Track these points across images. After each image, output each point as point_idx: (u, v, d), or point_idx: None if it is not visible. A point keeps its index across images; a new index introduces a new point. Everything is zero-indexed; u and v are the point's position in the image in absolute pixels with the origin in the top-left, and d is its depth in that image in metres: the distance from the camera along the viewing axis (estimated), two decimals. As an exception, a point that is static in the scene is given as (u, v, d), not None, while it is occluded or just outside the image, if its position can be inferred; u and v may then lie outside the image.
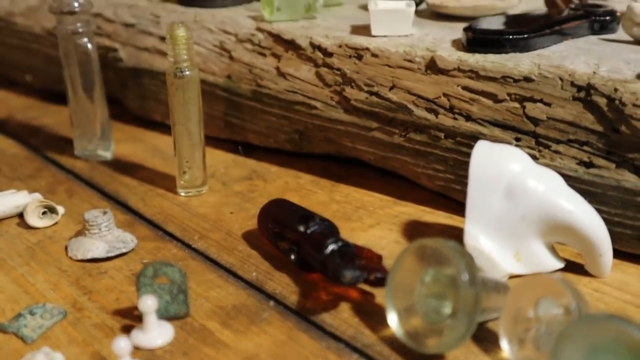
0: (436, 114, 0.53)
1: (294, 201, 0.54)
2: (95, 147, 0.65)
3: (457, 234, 0.50)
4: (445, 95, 0.52)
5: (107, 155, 0.65)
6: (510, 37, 0.52)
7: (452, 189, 0.54)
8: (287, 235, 0.47)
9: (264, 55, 0.62)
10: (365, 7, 0.68)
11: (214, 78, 0.65)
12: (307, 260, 0.45)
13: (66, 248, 0.50)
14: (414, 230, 0.53)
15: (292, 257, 0.46)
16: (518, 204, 0.44)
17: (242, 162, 0.65)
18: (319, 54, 0.58)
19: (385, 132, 0.56)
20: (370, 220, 0.54)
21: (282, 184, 0.60)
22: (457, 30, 0.58)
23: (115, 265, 0.48)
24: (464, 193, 0.51)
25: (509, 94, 0.49)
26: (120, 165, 0.64)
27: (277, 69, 0.61)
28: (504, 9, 0.62)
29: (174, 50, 0.54)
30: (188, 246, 0.51)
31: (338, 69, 0.57)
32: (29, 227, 0.53)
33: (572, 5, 0.58)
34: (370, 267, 0.43)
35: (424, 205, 0.56)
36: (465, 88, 0.51)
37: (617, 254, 0.46)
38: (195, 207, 0.56)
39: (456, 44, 0.55)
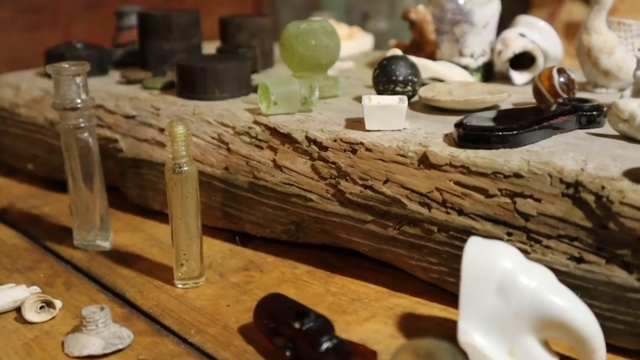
0: (429, 208, 0.54)
1: (290, 293, 0.54)
2: (94, 238, 0.66)
3: (452, 327, 0.51)
4: (437, 189, 0.53)
5: (106, 245, 0.66)
6: (500, 133, 0.53)
7: (446, 281, 0.55)
8: (283, 331, 0.47)
9: (260, 148, 0.63)
10: (359, 99, 0.70)
11: (212, 169, 0.66)
12: (302, 357, 0.45)
13: (63, 344, 0.50)
14: (409, 323, 0.53)
15: (288, 353, 0.46)
16: (510, 301, 0.45)
17: (239, 252, 0.65)
18: (315, 148, 0.60)
19: (380, 225, 0.57)
20: (366, 313, 0.54)
21: (278, 275, 0.61)
22: (448, 124, 0.59)
23: (111, 363, 0.48)
24: (457, 285, 0.52)
25: (500, 190, 0.51)
26: (119, 256, 0.65)
27: (274, 161, 0.62)
28: (494, 102, 0.64)
29: (173, 147, 0.55)
30: (184, 341, 0.51)
31: (333, 163, 0.59)
32: (27, 322, 0.53)
33: (560, 100, 0.60)
34: (365, 365, 0.43)
35: (419, 296, 0.57)
36: (457, 183, 0.53)
37: (610, 348, 0.46)
38: (192, 300, 0.57)
39: (448, 138, 0.56)
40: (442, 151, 0.54)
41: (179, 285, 0.59)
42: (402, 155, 0.55)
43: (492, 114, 0.59)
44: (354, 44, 0.97)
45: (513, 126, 0.54)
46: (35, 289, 0.56)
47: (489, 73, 0.79)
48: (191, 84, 0.72)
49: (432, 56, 0.82)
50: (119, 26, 0.95)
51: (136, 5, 1.01)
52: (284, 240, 0.65)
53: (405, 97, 0.61)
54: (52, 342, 0.51)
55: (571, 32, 1.35)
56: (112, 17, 1.02)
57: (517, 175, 0.50)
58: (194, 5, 1.68)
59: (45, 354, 0.49)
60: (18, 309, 0.54)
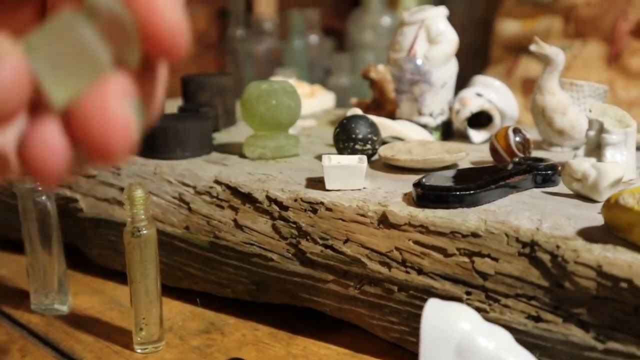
0: (389, 267, 0.54)
1: (251, 356, 0.54)
2: (52, 302, 0.65)
3: (413, 389, 0.50)
4: (397, 249, 0.54)
5: (64, 309, 0.65)
6: (458, 193, 0.54)
7: (407, 340, 0.55)
8: (243, 396, 0.46)
9: (222, 207, 0.63)
10: (320, 158, 0.71)
11: (173, 229, 0.66)
12: (262, 423, 0.45)
13: (17, 414, 0.49)
14: (371, 384, 0.53)
15: (248, 420, 0.46)
16: (470, 362, 0.45)
17: (200, 313, 0.65)
18: (275, 207, 0.60)
19: (341, 284, 0.57)
20: (328, 375, 0.54)
21: (239, 337, 0.60)
22: (408, 183, 0.60)
23: None
24: (418, 345, 0.52)
25: (458, 249, 0.51)
26: (77, 320, 0.64)
27: (235, 221, 0.62)
28: (452, 161, 0.65)
29: (132, 210, 0.55)
30: (143, 408, 0.50)
31: (294, 222, 0.59)
32: (-20, 391, 0.52)
33: (516, 159, 0.61)
34: None
35: (380, 357, 0.56)
36: (416, 242, 0.53)
37: (571, 408, 0.47)
38: (151, 365, 0.56)
39: (407, 198, 0.57)
40: (401, 211, 0.54)
41: (138, 350, 0.58)
42: (362, 215, 0.56)
43: (450, 173, 0.60)
44: (316, 101, 0.99)
45: (470, 186, 0.55)
46: (-10, 355, 0.55)
47: (447, 131, 0.81)
48: (152, 143, 0.72)
49: (392, 114, 0.84)
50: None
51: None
52: (246, 300, 0.64)
53: (364, 157, 0.62)
54: (6, 412, 0.49)
55: (528, 87, 1.38)
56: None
57: (475, 235, 0.51)
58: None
59: None
60: (-29, 377, 0.53)
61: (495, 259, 0.50)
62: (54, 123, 0.26)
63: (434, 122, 0.79)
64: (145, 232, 0.55)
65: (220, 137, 0.83)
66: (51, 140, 0.26)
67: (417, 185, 0.56)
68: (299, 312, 0.63)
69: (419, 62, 0.77)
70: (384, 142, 0.72)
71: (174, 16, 0.27)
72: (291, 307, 0.63)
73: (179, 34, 0.27)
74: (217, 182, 0.65)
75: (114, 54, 0.26)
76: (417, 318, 0.53)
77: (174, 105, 0.92)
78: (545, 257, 0.48)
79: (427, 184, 0.55)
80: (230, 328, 0.62)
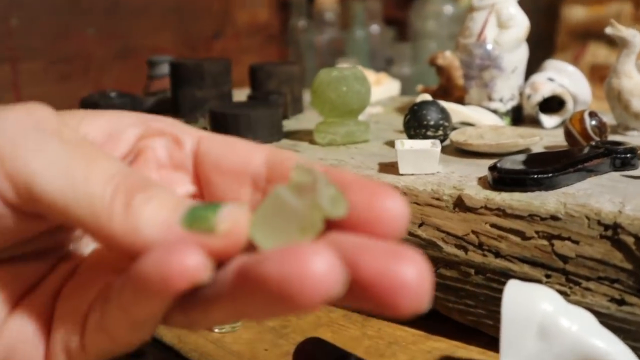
0: (465, 250, 0.54)
1: (327, 337, 0.54)
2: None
3: (491, 371, 0.50)
4: (473, 232, 0.54)
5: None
6: (536, 176, 0.53)
7: (484, 323, 0.55)
8: (323, 375, 0.47)
9: (295, 192, 0.64)
10: (390, 144, 0.71)
11: (247, 214, 0.67)
12: (343, 401, 0.45)
13: (104, 389, 0.50)
14: (447, 367, 0.53)
15: (329, 397, 0.46)
16: (552, 344, 0.45)
17: (274, 296, 0.66)
18: (349, 192, 0.60)
19: (416, 267, 0.57)
20: (404, 357, 0.54)
21: (314, 318, 0.61)
22: (481, 167, 0.60)
23: (153, 407, 0.48)
24: (496, 328, 0.52)
25: (536, 232, 0.51)
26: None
27: (308, 205, 0.63)
28: (526, 145, 0.65)
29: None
30: (224, 386, 0.51)
31: (368, 207, 0.59)
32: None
33: (593, 143, 0.60)
34: (408, 409, 0.43)
35: (456, 339, 0.57)
36: (493, 225, 0.53)
37: (654, 392, 0.46)
38: (229, 344, 0.57)
39: (482, 182, 0.56)
40: (477, 194, 0.54)
41: (216, 330, 0.59)
42: (437, 199, 0.56)
43: (524, 157, 0.60)
44: (382, 89, 0.99)
45: (548, 169, 0.54)
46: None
47: (518, 117, 0.80)
48: (224, 130, 0.73)
49: (459, 101, 0.83)
50: (150, 75, 0.97)
51: (164, 54, 1.03)
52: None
53: (438, 141, 0.62)
54: (94, 386, 0.51)
55: (596, 74, 1.35)
56: (140, 66, 1.05)
57: (554, 218, 0.50)
58: (220, 54, 1.71)
59: (87, 399, 0.49)
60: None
61: (576, 242, 0.49)
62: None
63: (504, 107, 0.79)
64: (224, 214, 0.56)
65: (289, 124, 0.83)
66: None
67: (493, 168, 0.55)
68: (372, 296, 0.64)
69: (489, 47, 0.76)
70: (454, 128, 0.72)
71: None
72: (363, 291, 0.64)
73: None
74: (290, 167, 0.65)
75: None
76: (494, 301, 0.53)
77: (243, 94, 0.93)
78: (629, 240, 0.47)
79: (503, 167, 0.55)
80: (304, 311, 0.63)
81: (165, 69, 0.95)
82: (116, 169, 0.32)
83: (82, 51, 1.42)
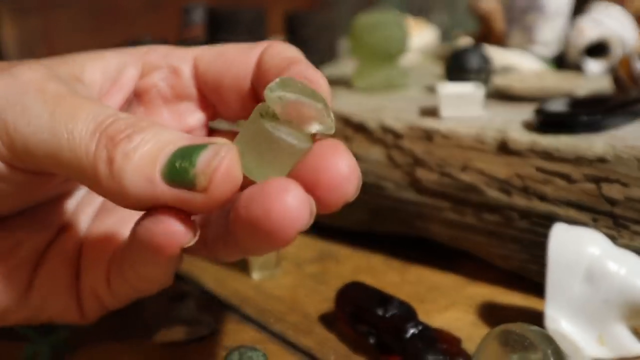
0: (509, 194, 0.53)
1: (367, 282, 0.54)
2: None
3: (534, 315, 0.50)
4: (518, 176, 0.53)
5: (181, 237, 0.67)
6: (583, 118, 0.52)
7: (528, 269, 0.54)
8: (366, 318, 0.47)
9: (334, 137, 0.63)
10: (429, 89, 0.70)
11: (285, 161, 0.66)
12: (387, 343, 0.45)
13: (147, 330, 0.50)
14: (490, 312, 0.52)
15: (372, 340, 0.46)
16: (599, 288, 0.44)
17: (313, 243, 0.65)
18: (390, 136, 0.59)
19: (458, 212, 0.56)
20: (445, 302, 0.54)
21: (353, 265, 0.61)
22: (524, 111, 0.58)
23: (197, 349, 0.48)
24: (539, 273, 0.51)
25: (584, 175, 0.50)
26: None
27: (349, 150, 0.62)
28: (570, 89, 0.63)
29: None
30: (265, 329, 0.51)
31: (409, 151, 0.58)
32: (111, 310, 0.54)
33: (641, 85, 0.58)
34: (452, 352, 0.43)
35: (498, 285, 0.56)
36: (538, 169, 0.52)
37: None
38: (269, 289, 0.57)
39: (526, 125, 0.55)
40: (522, 137, 0.53)
41: (256, 276, 0.59)
42: (480, 142, 0.55)
43: (570, 100, 0.58)
44: (420, 36, 0.97)
45: (595, 111, 0.53)
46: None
47: (561, 61, 0.78)
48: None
49: (499, 46, 0.81)
50: (185, 22, 0.96)
51: (200, 2, 1.02)
52: (358, 230, 0.65)
53: (481, 84, 0.60)
54: (137, 329, 0.51)
55: None
56: (169, 17, 1.04)
57: (602, 160, 0.49)
58: (254, 2, 1.69)
59: (130, 339, 0.50)
60: (101, 298, 0.55)
61: (625, 184, 0.48)
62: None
63: (547, 52, 0.76)
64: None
65: (325, 71, 0.82)
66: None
67: (538, 111, 0.54)
68: (412, 242, 0.63)
69: (532, -11, 0.74)
70: (495, 73, 0.71)
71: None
72: (403, 238, 0.63)
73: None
74: (328, 112, 0.64)
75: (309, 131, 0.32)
76: (539, 245, 0.52)
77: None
78: (681, 181, 0.46)
79: (549, 110, 0.54)
80: (343, 257, 0.62)
81: (199, 16, 0.94)
82: (99, 119, 0.32)
83: (113, 1, 1.42)
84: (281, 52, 0.39)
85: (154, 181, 0.30)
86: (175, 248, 0.31)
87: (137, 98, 0.42)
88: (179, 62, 0.41)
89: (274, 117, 0.31)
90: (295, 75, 0.35)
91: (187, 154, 0.30)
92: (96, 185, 0.31)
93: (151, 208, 0.31)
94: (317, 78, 0.36)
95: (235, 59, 0.39)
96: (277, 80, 0.32)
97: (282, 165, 0.32)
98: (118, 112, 0.32)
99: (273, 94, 0.31)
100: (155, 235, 0.31)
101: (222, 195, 0.30)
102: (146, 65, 0.41)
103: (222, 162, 0.29)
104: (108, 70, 0.39)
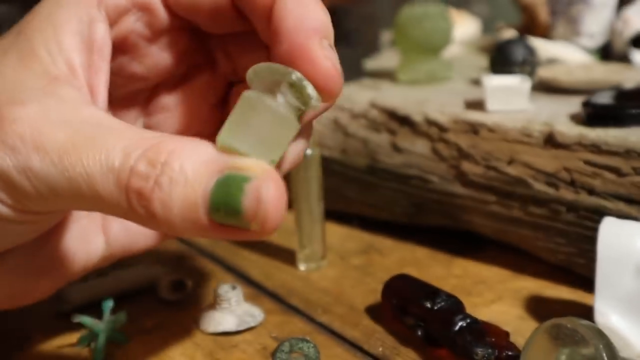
0: (557, 188, 0.53)
1: (413, 275, 0.54)
2: (215, 221, 0.67)
3: (582, 310, 0.50)
4: (565, 169, 0.52)
5: (227, 229, 0.68)
6: (633, 111, 0.51)
7: (575, 262, 0.54)
8: (413, 310, 0.47)
9: (378, 130, 0.64)
10: (473, 81, 0.70)
11: (330, 152, 0.67)
12: (435, 335, 0.45)
13: (197, 321, 0.51)
14: (537, 305, 0.52)
15: (419, 332, 0.46)
16: (651, 281, 0.44)
17: (357, 235, 0.66)
18: (435, 129, 0.60)
19: (504, 205, 0.56)
20: (491, 295, 0.54)
21: (398, 257, 0.61)
22: (571, 104, 0.58)
23: (246, 339, 0.49)
24: (587, 267, 0.51)
25: (633, 168, 0.49)
26: (240, 240, 0.66)
27: (393, 143, 0.62)
28: (617, 82, 0.62)
29: (298, 130, 0.56)
30: (312, 320, 0.52)
31: (454, 144, 0.58)
32: (161, 300, 0.55)
33: (692, 77, 0.57)
34: (501, 345, 0.43)
35: (544, 279, 0.56)
36: (586, 162, 0.51)
37: None
38: (316, 281, 0.57)
39: (574, 118, 0.55)
40: (570, 130, 0.53)
41: (302, 268, 0.60)
42: (527, 135, 0.54)
43: (619, 92, 0.58)
44: (462, 28, 0.96)
45: (645, 103, 0.52)
46: (166, 269, 0.58)
47: (607, 53, 0.77)
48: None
49: (543, 38, 0.81)
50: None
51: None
52: (402, 223, 0.65)
53: (527, 77, 0.60)
54: (187, 319, 0.52)
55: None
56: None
57: (653, 154, 0.48)
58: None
59: (181, 330, 0.51)
60: (150, 288, 0.57)
61: (676, 178, 0.48)
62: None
63: (592, 43, 0.76)
64: (310, 152, 0.56)
65: (369, 63, 0.82)
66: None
67: (586, 104, 0.54)
68: (456, 235, 0.63)
69: (578, -20, 0.73)
70: (541, 65, 0.70)
71: (336, 67, 0.33)
72: (447, 231, 0.64)
73: (339, 80, 0.33)
74: (372, 105, 0.65)
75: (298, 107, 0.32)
76: (586, 239, 0.52)
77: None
78: None
79: (598, 102, 0.53)
80: (388, 249, 0.63)
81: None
82: (115, 173, 0.30)
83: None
84: None
85: (201, 224, 0.29)
86: None
87: (117, 49, 0.39)
88: None
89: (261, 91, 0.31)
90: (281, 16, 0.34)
91: (229, 195, 0.28)
92: (139, 223, 0.31)
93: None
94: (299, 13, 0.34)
95: None
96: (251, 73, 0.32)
97: (276, 139, 0.31)
98: (127, 146, 0.30)
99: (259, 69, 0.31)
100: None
101: (276, 227, 0.29)
102: (110, 11, 0.37)
103: (270, 204, 0.28)
104: (78, 32, 0.36)
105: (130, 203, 0.29)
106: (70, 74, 0.35)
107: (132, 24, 0.39)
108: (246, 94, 0.30)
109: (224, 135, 0.30)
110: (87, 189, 0.30)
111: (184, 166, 0.29)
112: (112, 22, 0.38)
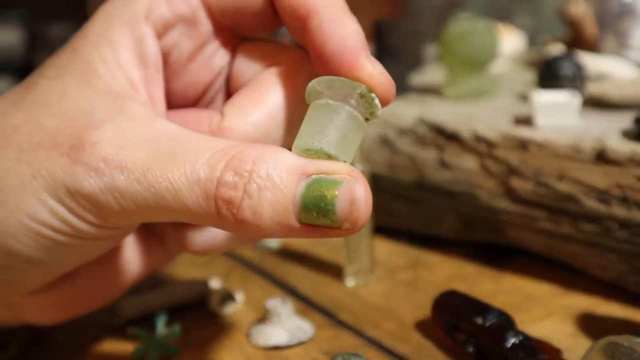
0: (608, 204, 0.52)
1: (461, 291, 0.54)
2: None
3: (635, 328, 0.49)
4: (618, 186, 0.52)
5: (274, 244, 0.68)
6: (686, 127, 0.51)
7: (627, 279, 0.53)
8: (464, 327, 0.47)
9: (426, 146, 0.64)
10: (520, 96, 0.69)
11: (377, 168, 0.67)
12: (486, 352, 0.45)
13: (247, 335, 0.52)
14: (588, 323, 0.52)
15: (470, 349, 0.46)
16: None
17: (405, 251, 0.66)
18: (484, 145, 0.60)
19: (554, 222, 0.56)
20: (541, 312, 0.54)
21: (447, 273, 0.61)
22: (622, 120, 0.58)
23: (297, 353, 0.50)
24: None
25: (687, 185, 0.49)
26: (287, 254, 0.67)
27: (440, 159, 0.62)
28: (670, 96, 0.62)
29: (347, 146, 0.56)
30: (362, 335, 0.52)
31: (503, 160, 0.58)
32: (212, 315, 0.56)
33: None
34: (554, 363, 0.42)
35: (595, 296, 0.55)
36: (639, 179, 0.51)
37: None
38: (364, 296, 0.58)
39: (625, 134, 0.54)
40: (622, 147, 0.52)
41: (350, 283, 0.60)
42: (577, 151, 0.54)
43: (671, 108, 0.57)
44: (508, 42, 0.96)
45: (699, 119, 0.52)
46: (217, 283, 0.59)
47: (656, 67, 0.76)
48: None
49: (591, 52, 0.80)
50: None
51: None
52: (449, 239, 0.65)
53: (576, 93, 0.60)
54: (238, 333, 0.53)
55: None
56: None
57: None
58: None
59: (232, 343, 0.51)
60: (201, 302, 0.57)
61: None
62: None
63: (642, 58, 0.75)
64: (360, 167, 0.57)
65: (414, 79, 0.83)
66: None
67: (638, 120, 0.53)
68: (504, 251, 0.63)
69: (626, -6, 0.73)
70: (590, 80, 0.70)
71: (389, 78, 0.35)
72: (495, 247, 0.63)
73: (394, 89, 0.35)
74: (420, 121, 0.65)
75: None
76: (639, 256, 0.51)
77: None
78: None
79: (649, 118, 0.53)
80: (436, 265, 0.63)
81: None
82: (202, 186, 0.31)
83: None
84: None
85: (291, 227, 0.31)
86: None
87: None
88: (189, 7, 0.38)
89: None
90: (315, 29, 0.35)
91: (322, 199, 0.30)
92: (229, 230, 0.32)
93: None
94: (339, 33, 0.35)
95: None
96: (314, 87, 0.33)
97: (352, 140, 0.33)
98: (210, 157, 0.32)
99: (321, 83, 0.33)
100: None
101: (364, 223, 0.31)
102: (157, 26, 0.38)
103: (362, 204, 0.31)
104: (133, 48, 0.37)
105: (220, 212, 0.31)
106: (132, 89, 0.37)
107: (177, 38, 0.39)
108: (323, 102, 0.32)
109: (305, 139, 0.32)
110: (174, 202, 0.31)
111: (270, 173, 0.31)
112: (159, 36, 0.39)
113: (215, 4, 0.39)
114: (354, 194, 0.30)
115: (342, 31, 0.34)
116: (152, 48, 0.38)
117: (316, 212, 0.30)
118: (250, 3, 0.38)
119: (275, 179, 0.30)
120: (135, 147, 0.32)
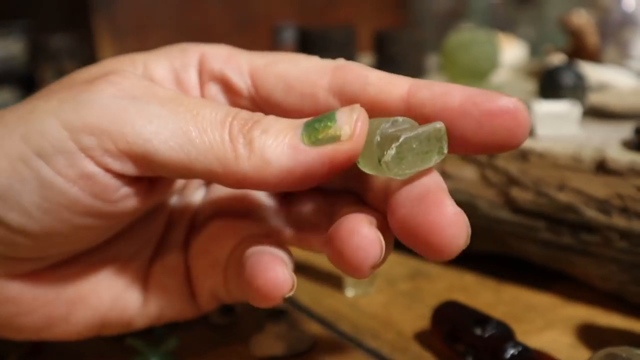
0: (609, 214, 0.52)
1: (461, 301, 0.54)
2: (264, 246, 0.68)
3: (635, 339, 0.49)
4: (618, 196, 0.52)
5: (275, 253, 0.68)
6: (686, 137, 0.51)
7: (628, 290, 0.53)
8: (463, 337, 0.47)
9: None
10: (523, 107, 0.69)
11: (377, 179, 0.67)
12: (485, 364, 0.45)
13: (247, 345, 0.52)
14: (588, 333, 0.52)
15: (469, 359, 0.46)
16: None
17: (405, 261, 0.66)
18: (484, 155, 0.59)
19: (554, 232, 0.56)
20: (541, 323, 0.53)
21: (447, 283, 0.61)
22: (623, 130, 0.58)
23: (295, 364, 0.49)
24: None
25: (688, 196, 0.49)
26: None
27: (440, 169, 0.62)
28: (670, 106, 0.62)
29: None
30: (361, 346, 0.52)
31: (503, 170, 0.58)
32: (211, 325, 0.56)
33: None
34: (553, 374, 0.42)
35: (595, 306, 0.55)
36: (639, 189, 0.51)
37: None
38: (364, 307, 0.58)
39: (625, 144, 0.54)
40: (622, 157, 0.52)
41: (350, 293, 0.60)
42: (578, 161, 0.54)
43: (671, 118, 0.57)
44: (510, 52, 0.96)
45: (700, 130, 0.51)
46: (215, 293, 0.59)
47: (658, 77, 0.76)
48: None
49: (593, 62, 0.80)
50: (276, 42, 0.98)
51: (288, 20, 1.05)
52: (450, 248, 0.65)
53: (577, 102, 0.60)
54: (236, 343, 0.53)
55: None
56: (260, 37, 1.06)
57: None
58: (342, 21, 1.72)
59: (232, 353, 0.51)
60: (200, 312, 0.57)
61: None
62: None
63: (643, 67, 0.75)
64: (359, 178, 0.57)
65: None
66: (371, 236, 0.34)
67: (638, 130, 0.53)
68: (504, 262, 0.63)
69: (627, 2, 0.73)
70: (591, 90, 0.70)
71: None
72: (495, 257, 0.63)
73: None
74: (420, 131, 0.65)
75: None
76: (640, 267, 0.51)
77: (366, 60, 0.93)
78: None
79: (650, 128, 0.53)
80: (436, 275, 0.63)
81: (290, 36, 0.96)
82: (222, 113, 0.33)
83: (204, 21, 1.46)
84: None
85: (297, 147, 0.32)
86: (280, 296, 0.34)
87: None
88: (236, 76, 0.38)
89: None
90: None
91: (322, 118, 0.32)
92: (236, 170, 0.32)
93: (291, 184, 0.32)
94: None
95: (300, 77, 0.36)
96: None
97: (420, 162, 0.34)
98: (233, 108, 0.34)
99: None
100: (261, 285, 0.33)
101: (363, 142, 0.32)
102: (204, 70, 0.39)
103: (361, 112, 0.32)
104: (171, 66, 0.38)
105: (231, 132, 0.32)
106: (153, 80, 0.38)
107: (215, 93, 0.39)
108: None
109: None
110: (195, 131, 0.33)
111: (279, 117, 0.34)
112: (202, 82, 0.39)
113: (261, 94, 0.39)
114: (352, 107, 0.32)
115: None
116: (192, 78, 0.39)
117: (317, 124, 0.32)
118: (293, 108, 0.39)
119: (285, 120, 0.33)
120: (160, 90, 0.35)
